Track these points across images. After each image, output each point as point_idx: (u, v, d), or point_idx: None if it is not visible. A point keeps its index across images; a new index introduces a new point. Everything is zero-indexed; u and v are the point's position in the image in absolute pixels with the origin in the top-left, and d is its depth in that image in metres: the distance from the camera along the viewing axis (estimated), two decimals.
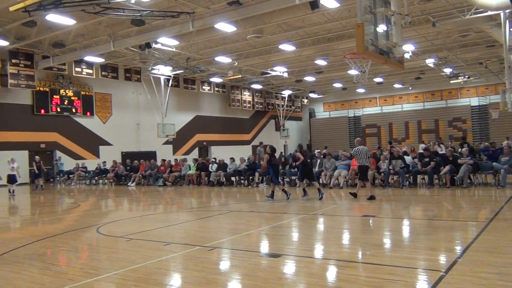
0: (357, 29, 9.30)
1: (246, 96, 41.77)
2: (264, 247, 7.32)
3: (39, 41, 23.68)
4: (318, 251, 6.85)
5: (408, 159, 16.45)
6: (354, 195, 12.64)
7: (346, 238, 7.91)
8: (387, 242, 7.34)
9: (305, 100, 49.21)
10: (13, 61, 24.52)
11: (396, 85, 41.76)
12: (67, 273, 5.76)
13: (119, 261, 6.30)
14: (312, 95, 46.51)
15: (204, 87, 37.07)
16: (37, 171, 21.63)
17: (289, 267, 5.81)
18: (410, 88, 42.85)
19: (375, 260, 5.91)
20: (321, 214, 10.52)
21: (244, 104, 41.56)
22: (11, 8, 15.60)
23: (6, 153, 23.45)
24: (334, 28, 23.85)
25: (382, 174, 15.93)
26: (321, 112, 50.58)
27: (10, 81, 24.35)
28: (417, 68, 33.98)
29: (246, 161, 19.92)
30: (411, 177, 15.88)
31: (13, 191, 19.06)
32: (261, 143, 30.03)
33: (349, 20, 21.73)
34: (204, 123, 38.05)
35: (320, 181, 16.23)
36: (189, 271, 5.72)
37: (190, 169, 21.28)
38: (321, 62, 30.06)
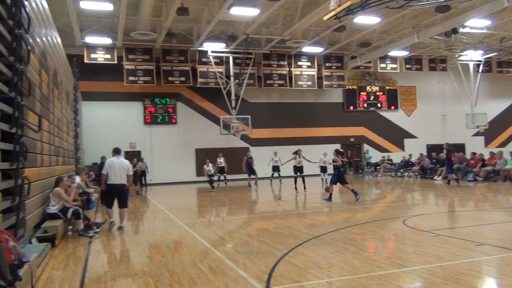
0: None
1: None
2: None
3: (347, 44, 25.75)
4: None
5: None
6: None
7: None
8: None
9: None
10: (327, 64, 27.53)
11: None
12: (375, 260, 6.07)
13: (426, 255, 6.20)
14: None
15: None
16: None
17: None
18: None
19: None
20: None
21: None
22: (325, 18, 17.52)
23: (320, 147, 26.62)
24: None
25: None
26: None
27: (324, 82, 27.49)
28: None
29: None
30: None
31: (326, 179, 21.51)
32: None
33: None
34: None
35: None
36: (507, 278, 5.08)
37: (507, 164, 18.78)
38: None
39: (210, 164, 19.05)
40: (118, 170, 9.34)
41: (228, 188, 20.11)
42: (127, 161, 9.77)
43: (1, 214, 5.07)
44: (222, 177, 21.06)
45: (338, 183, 13.63)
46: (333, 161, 13.66)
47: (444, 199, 14.56)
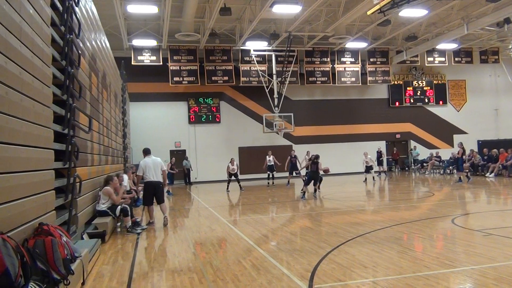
0: None
1: None
2: None
3: (392, 38, 25.10)
4: None
5: None
6: None
7: None
8: None
9: None
10: (371, 60, 26.96)
11: None
12: (422, 259, 5.90)
13: (476, 256, 5.96)
14: None
15: None
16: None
17: None
18: None
19: None
20: None
21: None
22: (368, 12, 17.23)
23: (365, 144, 26.17)
24: None
25: None
26: None
27: (368, 78, 26.95)
28: None
29: None
30: None
31: (373, 177, 21.06)
32: None
33: None
34: None
35: None
36: None
37: None
38: None
39: (235, 163, 19.06)
40: (153, 168, 9.91)
41: (274, 187, 19.99)
42: (159, 159, 10.29)
43: (55, 211, 5.33)
44: (271, 175, 20.69)
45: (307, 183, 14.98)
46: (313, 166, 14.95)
47: (496, 197, 13.94)
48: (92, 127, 8.20)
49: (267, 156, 20.58)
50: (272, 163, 20.46)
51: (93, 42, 9.93)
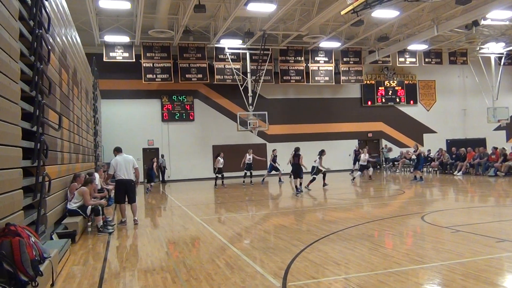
0: None
1: None
2: None
3: (365, 38, 25.46)
4: None
5: None
6: None
7: None
8: None
9: None
10: (344, 59, 27.26)
11: None
12: (393, 256, 6.02)
13: (445, 252, 6.12)
14: None
15: None
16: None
17: None
18: None
19: None
20: None
21: None
22: (342, 12, 17.40)
23: (338, 142, 26.52)
24: None
25: None
26: None
27: (342, 77, 27.26)
28: None
29: None
30: None
31: (371, 175, 21.07)
32: None
33: None
34: None
35: None
36: None
37: None
38: None
39: (222, 158, 19.18)
40: (125, 166, 9.73)
41: (253, 185, 19.87)
42: (130, 156, 10.09)
43: (23, 211, 5.18)
44: (248, 173, 20.14)
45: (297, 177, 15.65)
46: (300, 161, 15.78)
47: (464, 194, 14.35)
48: (62, 125, 8.00)
49: (247, 154, 20.20)
50: (251, 161, 20.22)
51: (64, 38, 9.69)
